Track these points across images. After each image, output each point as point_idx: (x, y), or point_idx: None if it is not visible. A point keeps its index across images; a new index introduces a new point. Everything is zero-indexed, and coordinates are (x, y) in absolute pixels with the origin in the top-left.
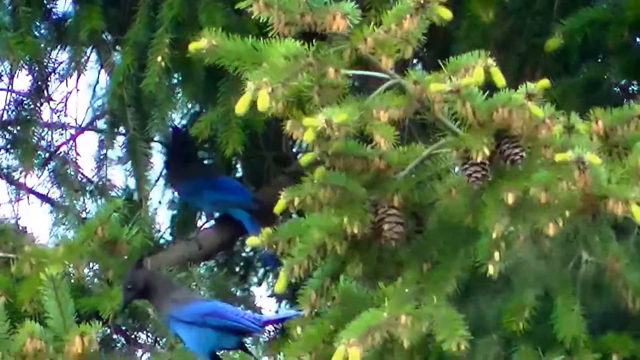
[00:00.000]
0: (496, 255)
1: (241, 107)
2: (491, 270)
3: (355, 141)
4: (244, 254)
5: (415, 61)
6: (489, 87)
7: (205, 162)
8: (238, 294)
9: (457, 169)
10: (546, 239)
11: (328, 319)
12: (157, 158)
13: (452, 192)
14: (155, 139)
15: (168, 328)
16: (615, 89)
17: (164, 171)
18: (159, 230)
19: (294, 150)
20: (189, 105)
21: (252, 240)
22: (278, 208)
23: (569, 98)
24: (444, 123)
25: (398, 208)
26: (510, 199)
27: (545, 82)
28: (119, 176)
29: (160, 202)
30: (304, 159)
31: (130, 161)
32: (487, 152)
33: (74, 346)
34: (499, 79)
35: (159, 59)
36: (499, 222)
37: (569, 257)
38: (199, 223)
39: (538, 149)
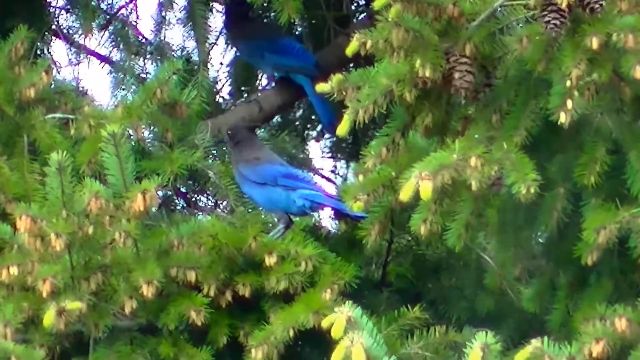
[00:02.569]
0: (569, 103)
1: None
2: (562, 118)
3: None
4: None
5: None
6: None
7: (266, 21)
8: (296, 153)
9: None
10: (622, 87)
11: (391, 166)
12: (217, 20)
13: (524, 41)
14: None
15: (239, 185)
16: None
17: (224, 31)
18: (219, 94)
19: (355, 10)
20: None
21: (321, 86)
22: (350, 50)
23: None
24: None
25: (469, 57)
26: (594, 43)
27: None
28: (178, 38)
29: (221, 64)
30: (378, 3)
31: (190, 24)
32: None
33: (136, 203)
34: None
35: None
36: (576, 68)
37: None
38: (259, 83)
39: (614, 1)
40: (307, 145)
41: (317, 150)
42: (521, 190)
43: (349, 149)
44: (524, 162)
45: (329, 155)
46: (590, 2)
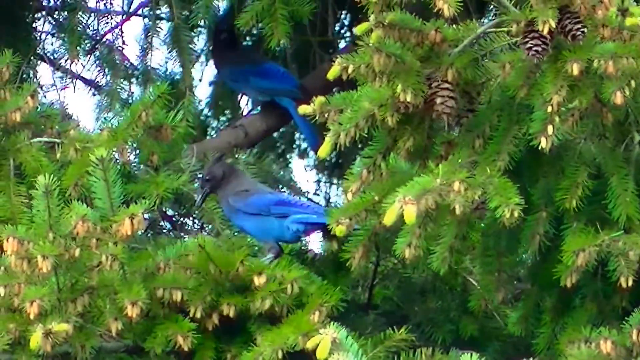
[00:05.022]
0: (550, 128)
1: None
2: (543, 143)
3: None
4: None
5: None
6: None
7: (250, 46)
8: (281, 174)
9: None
10: (604, 112)
11: (373, 190)
12: (201, 44)
13: (507, 67)
14: (201, 23)
15: (230, 219)
16: None
17: (209, 56)
18: (206, 116)
19: (340, 35)
20: None
21: (303, 108)
22: (332, 74)
23: None
24: (500, 1)
25: (451, 83)
26: (575, 69)
27: None
28: (163, 63)
29: (208, 83)
30: (360, 28)
31: (175, 49)
32: (553, 23)
33: (124, 227)
34: None
35: None
36: (557, 94)
37: (622, 138)
38: (244, 107)
39: (595, 28)
40: (290, 166)
41: (301, 171)
42: (504, 214)
43: (334, 170)
44: (507, 187)
45: (314, 176)
46: (571, 29)
